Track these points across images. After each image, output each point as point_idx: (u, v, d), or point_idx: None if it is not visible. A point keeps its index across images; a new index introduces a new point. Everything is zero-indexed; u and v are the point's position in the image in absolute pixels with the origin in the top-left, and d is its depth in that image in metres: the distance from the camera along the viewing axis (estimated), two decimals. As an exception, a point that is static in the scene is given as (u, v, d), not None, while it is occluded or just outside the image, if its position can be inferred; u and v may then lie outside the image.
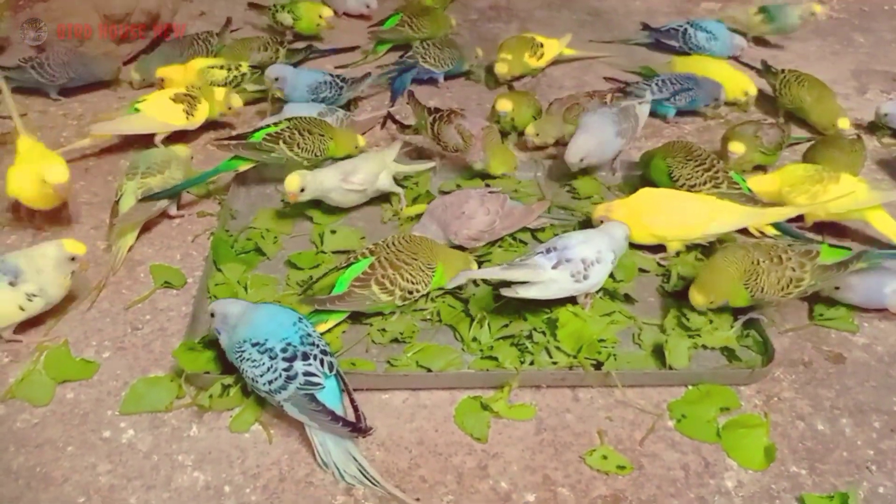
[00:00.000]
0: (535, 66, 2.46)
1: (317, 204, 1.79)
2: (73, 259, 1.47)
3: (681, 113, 2.28)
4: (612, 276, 1.57)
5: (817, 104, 2.21)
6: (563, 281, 1.46)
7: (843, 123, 2.17)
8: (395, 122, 2.18)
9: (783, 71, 2.31)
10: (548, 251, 1.49)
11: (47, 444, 1.29)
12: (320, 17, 2.61)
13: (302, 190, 1.71)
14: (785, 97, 2.27)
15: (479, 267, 1.61)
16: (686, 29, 2.60)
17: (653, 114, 2.18)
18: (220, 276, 1.60)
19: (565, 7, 3.00)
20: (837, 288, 1.57)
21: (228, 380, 1.35)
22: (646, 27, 2.74)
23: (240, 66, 2.23)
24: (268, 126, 1.87)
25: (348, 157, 1.94)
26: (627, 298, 1.58)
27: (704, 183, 1.76)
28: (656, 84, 2.22)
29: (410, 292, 1.49)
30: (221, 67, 2.19)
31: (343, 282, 1.48)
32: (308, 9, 2.63)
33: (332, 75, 2.20)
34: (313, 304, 1.46)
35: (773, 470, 1.28)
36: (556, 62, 2.55)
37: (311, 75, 2.18)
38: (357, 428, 1.25)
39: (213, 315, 1.37)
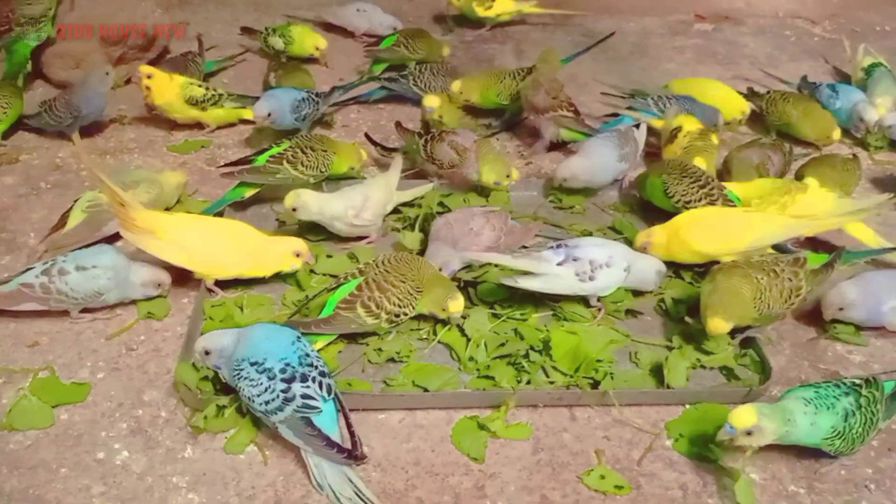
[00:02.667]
0: (483, 14, 2.87)
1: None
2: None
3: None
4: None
5: (805, 118, 2.23)
6: (567, 278, 1.48)
7: (836, 134, 2.20)
8: (373, 143, 2.14)
9: (769, 91, 2.34)
10: (557, 247, 1.52)
11: (41, 465, 1.27)
12: (317, 48, 2.62)
13: (294, 209, 1.70)
14: (773, 115, 2.28)
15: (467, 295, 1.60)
16: (819, 85, 2.45)
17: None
18: (215, 297, 1.59)
19: (560, 28, 3.03)
20: (842, 309, 1.56)
21: (223, 400, 1.34)
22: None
23: (216, 89, 2.24)
24: (270, 148, 1.88)
25: (347, 175, 1.96)
26: (630, 313, 1.58)
27: (699, 199, 1.76)
28: (652, 100, 2.24)
29: (397, 315, 1.48)
30: (200, 86, 2.20)
31: (332, 303, 1.48)
32: (301, 34, 2.63)
33: (307, 91, 2.19)
34: (298, 328, 1.44)
35: (771, 489, 1.27)
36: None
37: (289, 94, 2.16)
38: (352, 455, 1.24)
39: (207, 353, 1.34)
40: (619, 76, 2.65)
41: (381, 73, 2.54)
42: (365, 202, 1.73)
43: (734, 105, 2.34)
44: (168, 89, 2.17)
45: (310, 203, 1.71)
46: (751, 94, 2.39)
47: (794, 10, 3.29)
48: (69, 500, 1.22)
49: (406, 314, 1.49)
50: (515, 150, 2.23)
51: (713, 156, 2.00)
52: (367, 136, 2.15)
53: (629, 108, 2.27)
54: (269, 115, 2.07)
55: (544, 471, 1.29)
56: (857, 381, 1.30)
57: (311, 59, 2.65)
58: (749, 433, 1.23)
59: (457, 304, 1.49)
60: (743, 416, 1.24)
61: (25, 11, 2.36)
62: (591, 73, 2.68)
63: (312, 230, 1.77)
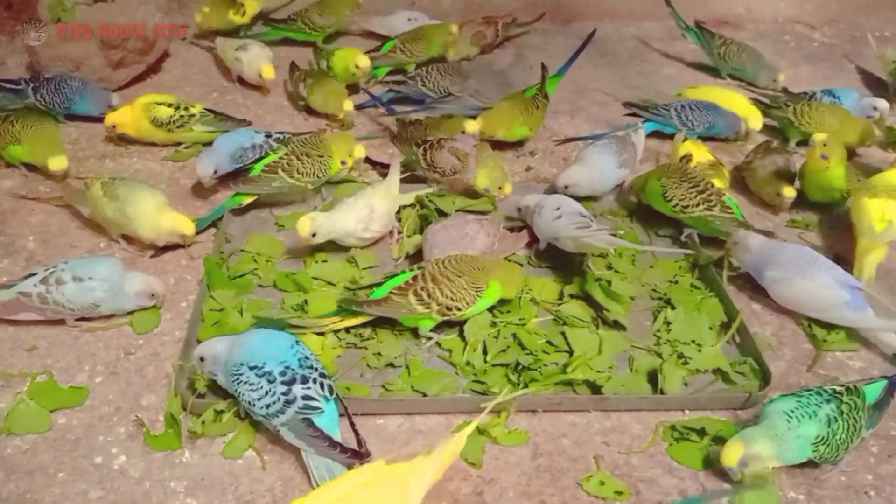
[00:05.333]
0: (239, 21, 2.71)
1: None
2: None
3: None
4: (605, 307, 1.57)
5: (845, 125, 2.18)
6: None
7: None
8: (372, 163, 2.10)
9: (787, 103, 2.29)
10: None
11: (38, 470, 1.27)
12: (357, 66, 2.41)
13: (314, 234, 1.67)
14: (809, 125, 2.21)
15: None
16: (815, 94, 2.44)
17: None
18: (215, 302, 1.59)
19: (560, 33, 3.03)
20: (736, 243, 1.67)
21: (221, 405, 1.34)
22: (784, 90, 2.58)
23: (190, 106, 2.12)
24: (266, 156, 1.87)
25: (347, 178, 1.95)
26: (616, 325, 1.56)
27: (697, 205, 1.76)
28: (675, 110, 2.24)
29: (449, 308, 1.48)
30: (169, 105, 2.10)
31: (387, 287, 1.49)
32: (341, 57, 2.49)
33: (268, 134, 2.01)
34: (351, 305, 1.47)
35: (771, 495, 1.27)
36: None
37: (235, 142, 1.97)
38: (356, 454, 1.24)
39: (202, 360, 1.36)
40: (619, 81, 2.65)
41: (383, 78, 2.55)
42: (371, 214, 1.72)
43: (753, 115, 2.31)
44: (132, 117, 2.11)
45: (324, 225, 1.68)
46: (768, 108, 2.35)
47: (794, 15, 3.29)
48: (67, 504, 1.22)
49: (459, 308, 1.49)
50: (514, 154, 2.23)
51: (726, 182, 1.97)
52: (367, 159, 2.08)
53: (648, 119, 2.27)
54: (216, 172, 1.90)
55: (543, 476, 1.29)
56: (838, 389, 1.30)
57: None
58: (745, 464, 1.23)
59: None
60: (730, 452, 1.24)
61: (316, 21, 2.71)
62: (590, 77, 2.68)
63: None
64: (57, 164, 1.93)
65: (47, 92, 2.19)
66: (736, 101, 2.36)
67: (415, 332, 1.52)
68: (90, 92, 2.23)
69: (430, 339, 1.52)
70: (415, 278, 1.49)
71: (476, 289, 1.50)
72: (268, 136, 2.01)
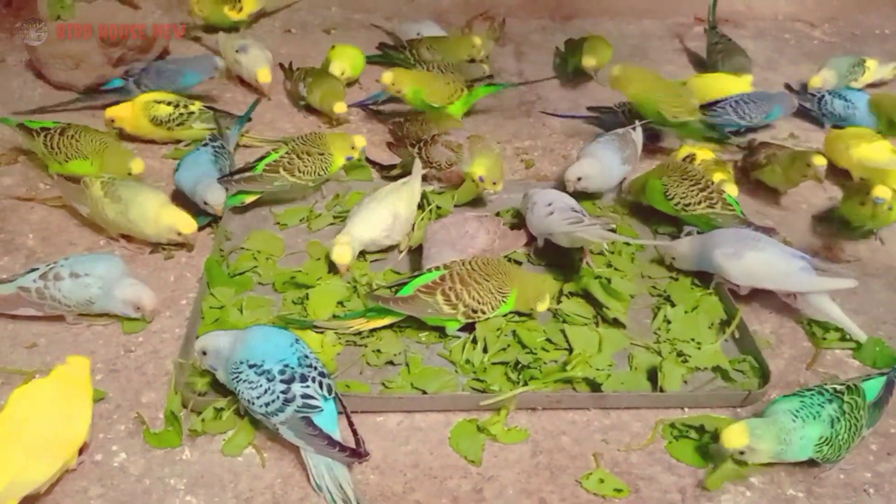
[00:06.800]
0: (236, 18, 2.79)
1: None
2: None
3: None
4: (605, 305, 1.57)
5: None
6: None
7: None
8: (372, 164, 2.10)
9: None
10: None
11: (38, 467, 1.27)
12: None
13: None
14: None
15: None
16: (823, 96, 2.42)
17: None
18: (215, 299, 1.59)
19: (560, 31, 3.02)
20: (674, 258, 1.69)
21: (221, 403, 1.34)
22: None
23: (190, 104, 2.11)
24: (267, 155, 1.87)
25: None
26: (616, 323, 1.56)
27: (699, 203, 1.76)
28: (730, 106, 2.23)
29: (475, 311, 1.48)
30: (168, 104, 2.10)
31: (413, 285, 1.49)
32: (340, 53, 2.48)
33: (211, 145, 1.93)
34: (377, 301, 1.47)
35: (770, 493, 1.27)
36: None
37: (205, 159, 1.89)
38: (355, 453, 1.24)
39: (204, 353, 1.35)
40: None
41: None
42: (395, 221, 1.70)
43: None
44: (132, 114, 2.10)
45: (356, 247, 1.66)
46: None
47: (794, 12, 3.29)
48: (67, 501, 1.22)
49: (484, 312, 1.49)
50: (514, 151, 2.23)
51: (730, 176, 1.97)
52: (367, 159, 2.08)
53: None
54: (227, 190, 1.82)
55: (543, 474, 1.29)
56: (839, 388, 1.30)
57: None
58: (742, 453, 1.23)
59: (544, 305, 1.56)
60: (734, 437, 1.23)
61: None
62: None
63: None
64: (136, 166, 1.89)
65: (150, 81, 2.25)
66: (741, 86, 2.39)
67: (440, 331, 1.53)
68: (192, 64, 2.33)
69: (457, 338, 1.52)
70: (442, 278, 1.49)
71: (502, 294, 1.51)
72: (213, 140, 1.95)
